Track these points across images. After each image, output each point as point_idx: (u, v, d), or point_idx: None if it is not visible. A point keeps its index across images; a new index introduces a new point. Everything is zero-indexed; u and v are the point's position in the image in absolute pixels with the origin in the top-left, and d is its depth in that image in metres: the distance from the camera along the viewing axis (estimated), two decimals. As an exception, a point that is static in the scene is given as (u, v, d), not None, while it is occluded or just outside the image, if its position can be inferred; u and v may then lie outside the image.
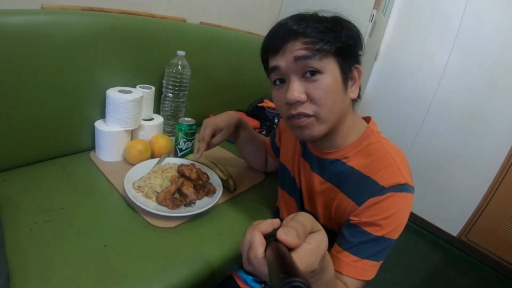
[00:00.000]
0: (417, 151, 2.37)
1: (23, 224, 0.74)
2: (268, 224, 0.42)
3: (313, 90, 0.63)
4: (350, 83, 0.68)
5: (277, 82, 0.68)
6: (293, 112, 0.65)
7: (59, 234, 0.74)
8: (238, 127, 1.06)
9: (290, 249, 0.38)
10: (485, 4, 1.97)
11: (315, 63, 0.62)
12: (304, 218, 0.43)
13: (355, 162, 0.71)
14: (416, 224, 2.48)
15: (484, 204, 2.13)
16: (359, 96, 0.73)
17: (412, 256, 2.18)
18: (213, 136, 0.98)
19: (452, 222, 2.31)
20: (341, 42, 0.63)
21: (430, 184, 2.35)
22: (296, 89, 0.63)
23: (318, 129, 0.66)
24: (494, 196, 2.08)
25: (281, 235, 0.38)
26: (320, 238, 0.42)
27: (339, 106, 0.66)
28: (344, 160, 0.73)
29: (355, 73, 0.68)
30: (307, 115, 0.65)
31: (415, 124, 2.35)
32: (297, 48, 0.62)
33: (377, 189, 0.64)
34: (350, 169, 0.71)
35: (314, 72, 0.63)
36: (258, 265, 0.40)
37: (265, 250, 0.40)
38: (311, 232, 0.42)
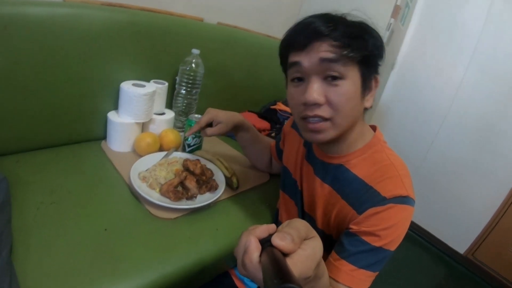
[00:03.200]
0: (430, 163, 2.32)
1: (30, 203, 0.78)
2: (264, 229, 0.42)
3: (333, 95, 0.62)
4: (366, 91, 0.67)
5: (296, 80, 0.67)
6: (310, 113, 0.64)
7: (64, 215, 0.77)
8: (238, 127, 1.07)
9: (285, 255, 0.38)
10: (505, 19, 1.93)
11: (339, 68, 0.60)
12: (300, 224, 0.43)
13: (359, 170, 0.70)
14: (422, 238, 2.42)
15: (493, 224, 2.06)
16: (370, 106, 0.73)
17: (416, 270, 2.13)
18: (210, 125, 1.02)
19: (459, 239, 2.24)
20: (367, 51, 0.62)
21: (440, 198, 2.30)
22: (316, 91, 0.62)
23: (330, 134, 0.66)
24: (504, 216, 2.01)
25: (276, 240, 0.39)
26: (315, 245, 0.42)
27: (355, 114, 0.66)
28: (348, 167, 0.72)
29: (373, 83, 0.68)
30: (323, 118, 0.64)
31: (429, 136, 2.31)
32: (324, 50, 0.60)
33: (378, 199, 0.64)
34: (353, 176, 0.70)
35: (336, 77, 0.61)
36: (253, 270, 0.39)
37: (260, 255, 0.40)
38: (306, 239, 0.42)
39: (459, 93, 2.15)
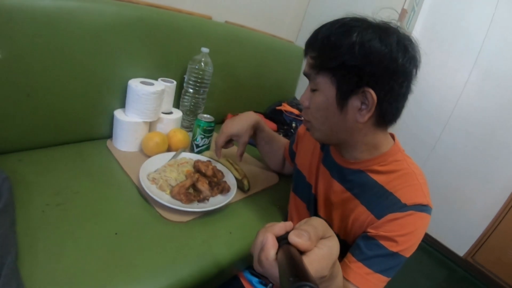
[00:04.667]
0: (431, 166, 2.32)
1: (35, 205, 0.74)
2: (281, 227, 0.43)
3: (311, 102, 0.69)
4: (355, 105, 0.62)
5: None
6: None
7: (71, 218, 0.73)
8: (255, 129, 1.07)
9: (302, 253, 0.38)
10: (508, 25, 1.94)
11: (312, 82, 0.67)
12: (317, 223, 0.43)
13: (379, 177, 0.70)
14: (422, 241, 2.40)
15: (493, 227, 2.07)
16: (388, 120, 0.67)
17: (416, 273, 2.13)
18: (230, 140, 1.04)
19: (459, 242, 2.26)
20: (339, 61, 0.59)
21: (441, 201, 2.28)
22: (304, 96, 0.71)
23: (314, 134, 0.73)
24: (504, 219, 2.02)
25: (293, 237, 0.39)
26: (332, 244, 0.42)
27: (331, 123, 0.67)
28: (368, 173, 0.71)
29: (368, 96, 0.60)
30: (306, 120, 0.73)
31: (431, 139, 2.31)
32: (306, 63, 0.68)
33: (398, 206, 0.64)
34: (373, 182, 0.70)
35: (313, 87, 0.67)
36: (269, 267, 0.40)
37: (277, 253, 0.40)
38: (323, 238, 0.42)
39: (462, 98, 2.15)
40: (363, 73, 0.59)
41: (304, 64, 0.70)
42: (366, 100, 0.61)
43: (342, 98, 0.62)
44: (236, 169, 1.05)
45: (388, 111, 0.64)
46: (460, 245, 2.25)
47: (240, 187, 1.02)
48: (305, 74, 0.68)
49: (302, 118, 0.76)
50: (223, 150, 1.04)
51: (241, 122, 1.01)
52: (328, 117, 0.66)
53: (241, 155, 1.05)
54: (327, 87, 0.63)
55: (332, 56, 0.60)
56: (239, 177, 1.02)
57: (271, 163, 1.21)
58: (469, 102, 2.12)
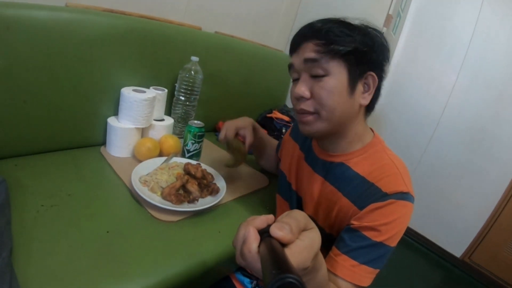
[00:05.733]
0: (423, 169, 2.35)
1: (30, 206, 0.76)
2: (263, 220, 0.43)
3: (318, 89, 0.67)
4: (360, 89, 0.69)
5: (295, 79, 0.73)
6: (297, 107, 0.71)
7: (64, 218, 0.76)
8: (253, 129, 1.09)
9: (284, 245, 0.39)
10: (494, 25, 2.00)
11: (321, 67, 0.66)
12: (298, 215, 0.43)
13: (360, 168, 0.72)
14: (419, 243, 2.44)
15: (488, 226, 2.10)
16: (372, 107, 0.75)
17: (414, 276, 2.14)
18: (237, 135, 1.03)
19: (455, 243, 2.27)
20: (352, 47, 0.64)
21: (435, 203, 2.32)
22: (302, 86, 0.68)
23: (317, 126, 0.70)
24: (499, 217, 2.06)
25: (275, 230, 0.39)
26: (314, 236, 0.42)
27: (342, 108, 0.68)
28: (349, 165, 0.74)
29: (370, 80, 0.69)
30: (308, 112, 0.69)
31: (422, 142, 2.35)
32: (308, 50, 0.67)
33: (379, 195, 0.66)
34: (354, 174, 0.72)
35: (319, 74, 0.66)
36: (251, 260, 0.40)
37: (259, 246, 0.40)
38: (305, 230, 0.42)
39: (451, 99, 2.20)
40: (370, 58, 0.67)
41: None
42: (366, 85, 0.69)
43: (353, 82, 0.67)
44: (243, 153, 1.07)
45: (375, 97, 0.72)
46: (457, 246, 2.27)
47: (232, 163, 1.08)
48: (310, 59, 0.66)
49: (301, 111, 0.71)
50: (212, 155, 1.09)
51: (241, 119, 1.05)
52: (340, 102, 0.67)
53: (251, 144, 1.04)
54: (339, 71, 0.66)
55: (347, 42, 0.64)
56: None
57: (265, 165, 1.26)
58: (458, 103, 2.18)
